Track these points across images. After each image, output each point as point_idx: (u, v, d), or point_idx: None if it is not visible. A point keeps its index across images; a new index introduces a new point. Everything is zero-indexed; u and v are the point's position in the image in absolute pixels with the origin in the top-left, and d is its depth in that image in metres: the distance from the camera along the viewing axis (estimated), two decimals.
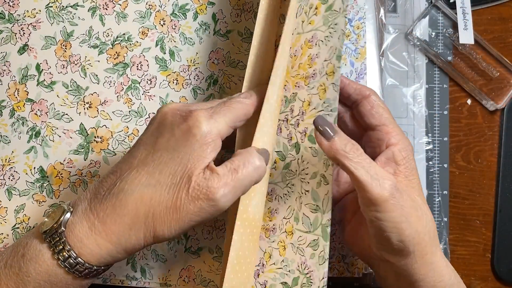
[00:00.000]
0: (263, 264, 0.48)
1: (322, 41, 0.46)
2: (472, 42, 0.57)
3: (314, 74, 0.46)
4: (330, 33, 0.46)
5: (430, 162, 0.58)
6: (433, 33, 0.59)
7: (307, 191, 0.47)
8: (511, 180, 0.58)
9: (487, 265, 0.59)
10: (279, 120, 0.48)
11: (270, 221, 0.49)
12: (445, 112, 0.59)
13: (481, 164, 0.59)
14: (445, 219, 0.58)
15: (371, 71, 0.55)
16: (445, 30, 0.59)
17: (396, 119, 0.58)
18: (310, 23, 0.47)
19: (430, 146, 0.58)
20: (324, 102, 0.46)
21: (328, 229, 0.47)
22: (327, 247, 0.47)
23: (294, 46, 0.48)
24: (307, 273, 0.47)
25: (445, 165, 0.58)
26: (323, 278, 0.47)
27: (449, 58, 0.59)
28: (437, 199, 0.58)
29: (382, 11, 0.57)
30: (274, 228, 0.48)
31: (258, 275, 0.49)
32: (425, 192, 0.58)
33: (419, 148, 0.58)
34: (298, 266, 0.47)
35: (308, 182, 0.47)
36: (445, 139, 0.59)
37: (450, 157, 0.59)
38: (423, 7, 0.59)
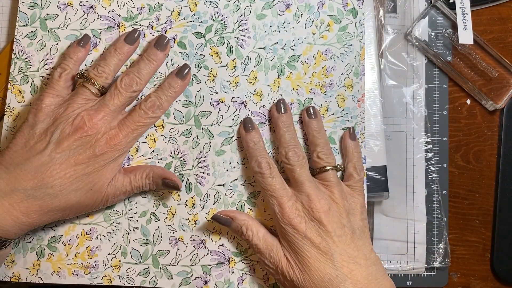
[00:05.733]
0: None
1: (337, 56, 0.52)
2: (472, 42, 0.57)
3: (331, 84, 0.52)
4: (345, 51, 0.53)
5: (430, 162, 0.58)
6: (433, 33, 0.59)
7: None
8: (510, 180, 0.59)
9: (487, 265, 0.59)
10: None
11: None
12: (445, 112, 0.59)
13: (480, 164, 0.59)
14: (445, 219, 0.58)
15: (370, 71, 0.55)
16: (444, 30, 0.59)
17: (395, 119, 0.58)
18: (322, 37, 0.53)
19: (430, 146, 0.58)
20: (343, 110, 0.52)
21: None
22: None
23: (305, 55, 0.52)
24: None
25: (445, 165, 0.59)
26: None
27: (449, 58, 0.59)
28: (437, 199, 0.58)
29: (381, 11, 0.58)
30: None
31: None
32: (424, 192, 0.58)
33: (418, 148, 0.58)
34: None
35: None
36: (445, 139, 0.59)
37: (449, 157, 0.59)
38: (423, 7, 0.60)
